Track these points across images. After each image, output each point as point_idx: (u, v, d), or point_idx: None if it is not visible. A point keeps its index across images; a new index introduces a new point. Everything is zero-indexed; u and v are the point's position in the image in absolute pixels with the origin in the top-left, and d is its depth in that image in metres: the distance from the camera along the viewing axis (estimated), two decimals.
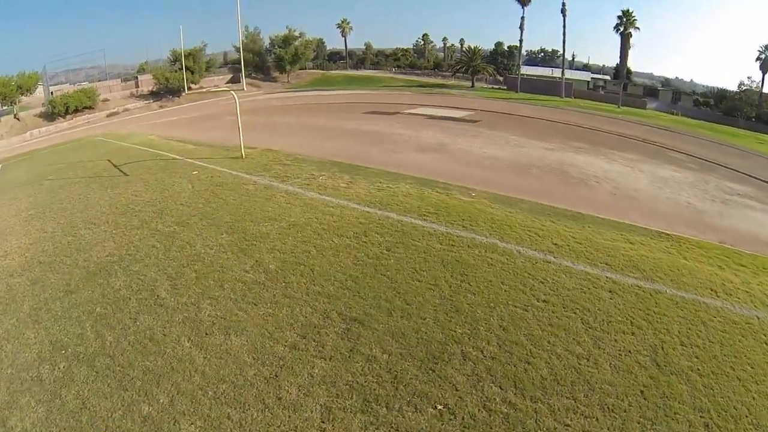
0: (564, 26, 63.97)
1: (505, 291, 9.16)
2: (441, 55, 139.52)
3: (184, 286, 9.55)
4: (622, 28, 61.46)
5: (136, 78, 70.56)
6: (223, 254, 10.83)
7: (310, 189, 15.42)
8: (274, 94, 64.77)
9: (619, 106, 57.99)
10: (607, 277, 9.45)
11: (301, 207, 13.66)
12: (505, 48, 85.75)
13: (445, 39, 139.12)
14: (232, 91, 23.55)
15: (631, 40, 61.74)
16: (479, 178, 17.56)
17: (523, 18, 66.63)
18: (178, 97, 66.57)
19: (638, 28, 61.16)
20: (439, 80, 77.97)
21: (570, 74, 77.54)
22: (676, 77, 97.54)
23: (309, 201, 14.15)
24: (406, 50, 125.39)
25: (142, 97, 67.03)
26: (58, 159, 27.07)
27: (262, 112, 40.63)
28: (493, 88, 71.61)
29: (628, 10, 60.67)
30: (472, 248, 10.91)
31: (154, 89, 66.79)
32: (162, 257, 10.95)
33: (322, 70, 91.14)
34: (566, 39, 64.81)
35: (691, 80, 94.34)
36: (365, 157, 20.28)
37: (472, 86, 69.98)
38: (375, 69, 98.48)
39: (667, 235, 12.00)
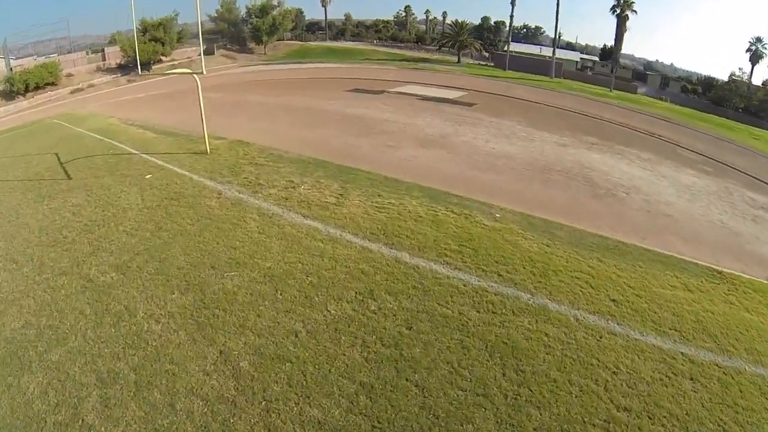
0: (558, 3, 60.38)
1: (575, 397, 6.45)
2: (423, 27, 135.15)
3: (119, 404, 6.25)
4: (618, 10, 58.03)
5: (103, 51, 65.37)
6: (174, 335, 7.48)
7: (290, 207, 12.14)
8: (249, 67, 60.35)
9: (611, 90, 55.71)
10: (683, 355, 7.53)
11: (280, 240, 10.40)
12: (492, 23, 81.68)
13: (427, 12, 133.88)
14: (194, 74, 19.56)
15: (628, 23, 58.44)
16: (498, 188, 14.57)
17: None
18: (148, 70, 61.87)
19: (635, 11, 57.91)
20: (423, 54, 73.98)
21: (558, 53, 74.34)
22: (657, 60, 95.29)
23: (290, 230, 10.86)
24: (387, 22, 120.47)
25: (109, 71, 62.07)
26: (4, 150, 23.19)
27: (235, 89, 36.78)
28: (479, 64, 68.00)
29: None
30: (518, 316, 7.92)
31: (123, 62, 61.73)
32: (91, 337, 7.58)
33: (301, 41, 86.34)
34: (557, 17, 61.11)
35: (672, 64, 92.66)
36: (355, 154, 17.09)
37: (458, 62, 66.26)
38: (355, 41, 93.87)
39: (719, 273, 10.35)
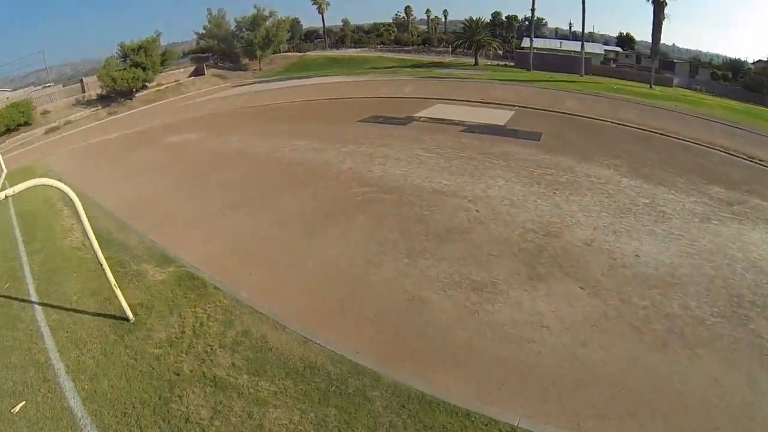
0: None
1: None
2: (423, 28, 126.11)
3: None
4: None
5: (82, 81, 57.15)
6: None
7: None
8: (242, 87, 51.72)
9: (651, 87, 47.35)
10: None
11: None
12: (503, 18, 72.53)
13: (428, 11, 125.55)
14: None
15: (666, 10, 48.86)
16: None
17: None
18: (131, 99, 53.80)
19: None
20: (433, 57, 65.20)
21: (573, 46, 65.44)
22: (673, 44, 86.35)
23: None
24: (389, 25, 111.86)
25: (89, 103, 53.77)
26: None
27: (220, 124, 28.52)
28: (498, 65, 59.16)
29: None
30: None
31: (103, 93, 53.38)
32: None
33: (299, 52, 77.71)
34: (575, 9, 51.99)
35: (693, 50, 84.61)
36: (427, 339, 8.20)
37: (476, 64, 57.48)
38: (357, 47, 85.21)
39: None
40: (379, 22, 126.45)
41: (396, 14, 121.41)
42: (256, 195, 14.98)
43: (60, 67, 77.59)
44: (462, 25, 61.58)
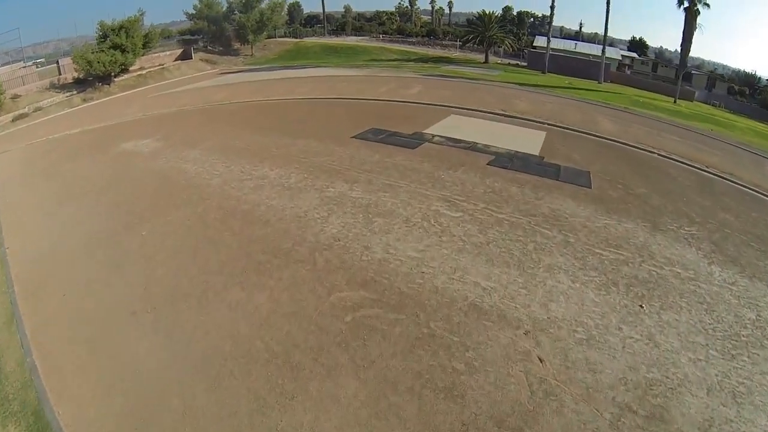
0: None
1: None
2: (427, 18, 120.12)
3: None
4: (687, 3, 43.03)
5: (57, 63, 51.26)
6: None
7: None
8: (228, 75, 46.08)
9: (675, 101, 42.95)
10: None
11: None
12: (514, 14, 66.78)
13: (433, 1, 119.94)
14: None
15: (699, 19, 43.30)
16: None
17: None
18: (109, 84, 48.09)
19: (708, 4, 42.77)
20: (439, 51, 59.57)
21: (587, 48, 60.05)
22: (676, 50, 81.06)
23: None
24: (392, 14, 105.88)
25: (65, 87, 47.94)
26: None
27: (184, 128, 23.12)
28: (510, 64, 53.80)
29: None
30: None
31: (80, 76, 47.54)
32: None
33: (295, 38, 71.74)
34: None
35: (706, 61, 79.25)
36: None
37: (486, 61, 52.05)
38: (358, 35, 79.30)
39: None
40: (381, 10, 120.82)
41: (399, 3, 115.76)
42: (178, 292, 9.58)
43: (37, 46, 70.91)
44: (473, 19, 55.86)
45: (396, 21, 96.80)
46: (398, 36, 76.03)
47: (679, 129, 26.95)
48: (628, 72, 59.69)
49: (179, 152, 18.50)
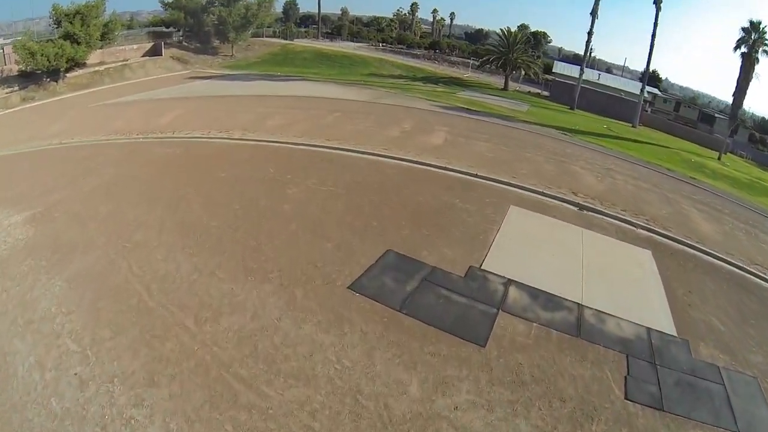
0: (656, 18, 36.85)
1: None
2: (426, 28, 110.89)
3: None
4: (745, 49, 34.30)
5: (2, 51, 40.88)
6: None
7: None
8: (192, 82, 36.23)
9: (719, 158, 34.89)
10: None
11: None
12: (529, 33, 57.92)
13: (435, 11, 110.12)
14: None
15: (757, 67, 34.50)
16: None
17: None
18: (57, 81, 38.08)
19: None
20: (447, 70, 50.34)
21: (613, 81, 51.38)
22: (666, 78, 72.88)
23: None
24: (391, 21, 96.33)
25: (7, 81, 37.71)
26: None
27: (62, 202, 13.59)
28: (530, 92, 44.85)
29: (758, 23, 33.80)
30: None
31: (26, 69, 37.31)
32: None
33: (285, 38, 61.84)
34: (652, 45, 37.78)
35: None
36: None
37: (505, 88, 42.96)
38: (355, 41, 69.73)
39: None
40: (379, 15, 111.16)
41: (398, 10, 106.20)
42: None
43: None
44: (496, 37, 46.64)
45: (395, 29, 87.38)
46: (399, 46, 66.64)
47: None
48: (648, 110, 50.90)
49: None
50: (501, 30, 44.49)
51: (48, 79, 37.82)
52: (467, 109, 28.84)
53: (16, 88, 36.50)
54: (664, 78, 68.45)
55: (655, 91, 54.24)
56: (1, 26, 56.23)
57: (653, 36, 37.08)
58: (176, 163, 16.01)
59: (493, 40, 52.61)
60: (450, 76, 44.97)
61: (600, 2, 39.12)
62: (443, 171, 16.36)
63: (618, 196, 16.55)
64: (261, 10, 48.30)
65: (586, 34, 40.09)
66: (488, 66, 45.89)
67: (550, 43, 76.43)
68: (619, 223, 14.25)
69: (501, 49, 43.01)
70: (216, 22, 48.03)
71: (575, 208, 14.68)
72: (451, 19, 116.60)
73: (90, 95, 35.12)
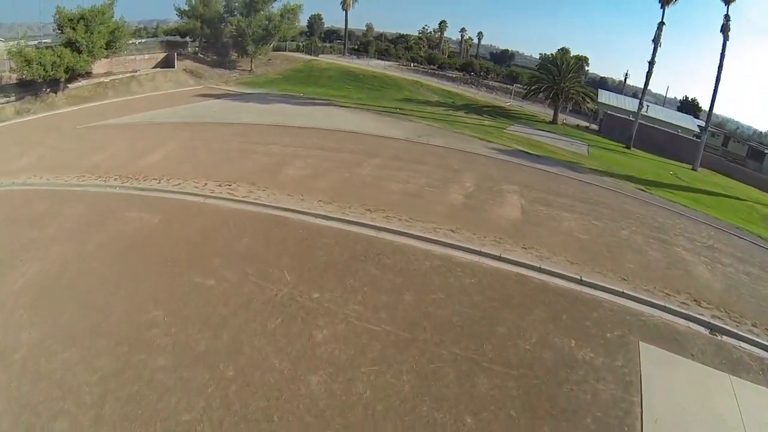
0: (723, 52, 30.74)
1: None
2: (453, 48, 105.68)
3: None
4: None
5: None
6: None
7: None
8: (202, 101, 30.89)
9: None
10: None
11: None
12: (569, 59, 51.82)
13: (463, 30, 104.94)
14: None
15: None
16: None
17: (661, 25, 33.05)
18: (56, 92, 33.20)
19: None
20: (487, 96, 44.66)
21: (663, 114, 45.43)
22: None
23: None
24: (420, 39, 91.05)
25: (4, 89, 33.01)
26: None
27: None
28: (578, 126, 39.03)
29: None
30: None
31: (25, 77, 32.22)
32: None
33: (309, 54, 56.50)
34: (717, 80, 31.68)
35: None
36: None
37: (554, 121, 37.12)
38: (382, 58, 64.36)
39: None
40: (405, 33, 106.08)
41: (424, 27, 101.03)
42: None
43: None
44: (543, 62, 40.80)
45: (423, 47, 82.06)
46: (430, 67, 61.12)
47: None
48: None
49: None
50: (549, 55, 38.83)
51: (48, 90, 33.00)
52: (527, 153, 23.01)
53: (13, 98, 31.70)
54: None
55: (700, 123, 48.15)
56: (9, 27, 51.36)
57: (720, 68, 31.06)
58: (147, 248, 10.48)
59: (520, 60, 46.57)
60: (492, 105, 39.23)
61: (663, 29, 33.23)
62: (538, 276, 10.58)
63: (739, 298, 11.02)
64: (284, 21, 42.96)
65: (647, 63, 34.19)
66: (537, 95, 39.91)
67: (589, 68, 70.20)
68: (760, 352, 8.85)
69: (549, 76, 37.07)
70: (234, 33, 42.79)
71: (706, 332, 9.36)
72: (479, 39, 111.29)
73: (87, 111, 30.16)
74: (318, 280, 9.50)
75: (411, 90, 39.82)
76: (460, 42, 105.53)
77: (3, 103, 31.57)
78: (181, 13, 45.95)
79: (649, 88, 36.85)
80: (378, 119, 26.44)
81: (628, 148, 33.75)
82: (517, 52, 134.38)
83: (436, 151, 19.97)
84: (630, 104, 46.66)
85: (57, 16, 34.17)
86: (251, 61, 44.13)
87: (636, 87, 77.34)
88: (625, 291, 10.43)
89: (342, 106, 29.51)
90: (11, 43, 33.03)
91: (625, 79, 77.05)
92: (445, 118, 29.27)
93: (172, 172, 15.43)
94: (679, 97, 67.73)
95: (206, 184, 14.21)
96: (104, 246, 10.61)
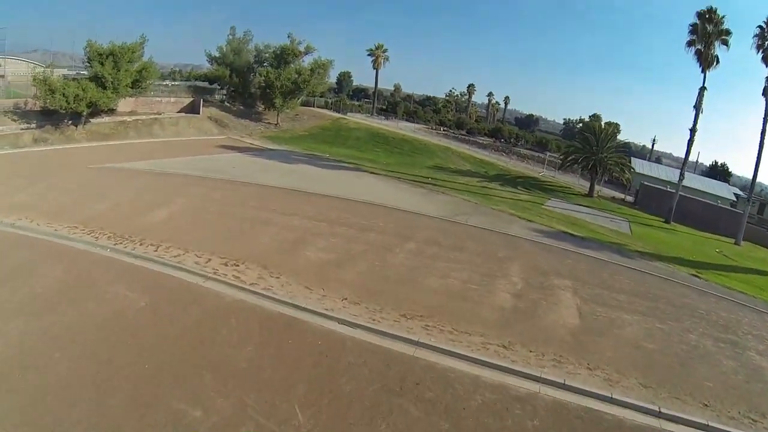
0: (767, 112, 28.88)
1: None
2: (480, 112, 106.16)
3: None
4: None
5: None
6: None
7: None
8: (222, 154, 29.48)
9: None
10: None
11: None
12: (601, 126, 50.34)
13: (490, 94, 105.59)
14: None
15: None
16: None
17: (702, 90, 31.46)
18: (77, 126, 32.45)
19: None
20: (519, 165, 42.97)
21: (698, 182, 43.33)
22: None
23: None
24: (447, 102, 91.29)
25: (27, 115, 32.00)
26: None
27: None
28: (613, 198, 37.15)
29: None
30: None
31: (49, 106, 31.06)
32: None
33: (337, 111, 55.77)
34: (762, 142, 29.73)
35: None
36: None
37: (590, 193, 35.13)
38: (410, 120, 63.60)
39: None
40: (431, 95, 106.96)
41: (451, 90, 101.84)
42: None
43: (48, 53, 53.96)
44: (581, 128, 39.24)
45: (451, 110, 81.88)
46: (460, 132, 60.17)
47: None
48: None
49: None
50: (577, 121, 37.37)
51: (69, 122, 32.15)
52: (571, 234, 20.78)
53: (34, 125, 31.15)
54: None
55: (738, 191, 45.69)
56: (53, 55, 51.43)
57: (763, 134, 29.04)
58: (123, 345, 8.24)
59: (544, 125, 45.20)
60: (525, 175, 37.51)
61: (705, 95, 31.64)
62: (610, 410, 8.33)
63: None
64: (314, 76, 42.19)
65: (688, 131, 32.35)
66: (574, 167, 38.17)
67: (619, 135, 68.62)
68: None
69: (586, 146, 35.33)
70: (263, 85, 41.96)
71: None
72: (506, 104, 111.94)
73: (104, 150, 29.10)
74: (339, 425, 6.99)
75: (442, 157, 38.19)
76: (487, 106, 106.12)
77: (23, 129, 30.69)
78: (212, 59, 45.67)
79: (671, 152, 35.18)
80: (410, 191, 24.40)
81: (667, 222, 31.65)
82: (541, 117, 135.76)
83: (475, 234, 17.70)
84: (663, 173, 45.34)
85: (88, 49, 33.61)
86: (278, 114, 43.16)
87: (660, 152, 75.73)
88: (709, 423, 8.32)
89: (371, 173, 27.64)
90: (38, 70, 32.38)
91: (653, 146, 75.81)
92: (480, 191, 27.29)
93: (174, 237, 13.29)
94: (706, 161, 66.09)
95: (210, 260, 11.98)
96: (71, 331, 8.43)
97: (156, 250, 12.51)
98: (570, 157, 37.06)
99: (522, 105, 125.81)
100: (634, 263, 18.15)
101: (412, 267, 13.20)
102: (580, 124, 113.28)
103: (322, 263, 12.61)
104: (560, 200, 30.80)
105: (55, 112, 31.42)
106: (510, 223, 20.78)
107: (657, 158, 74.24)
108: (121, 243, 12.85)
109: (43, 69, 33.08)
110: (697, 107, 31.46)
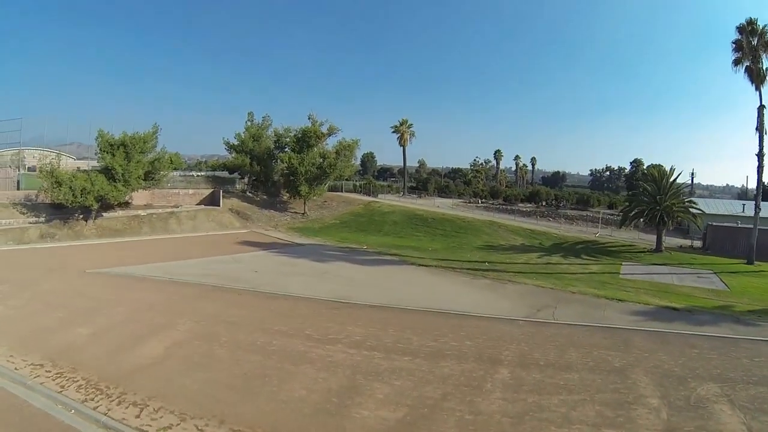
0: None
1: None
2: (510, 177, 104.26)
3: None
4: None
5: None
6: None
7: None
8: (244, 252, 26.05)
9: None
10: None
11: None
12: (644, 170, 47.02)
13: (518, 158, 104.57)
14: None
15: None
16: None
17: (762, 109, 28.10)
18: (87, 220, 30.84)
19: None
20: (571, 228, 38.77)
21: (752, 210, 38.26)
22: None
23: None
24: (478, 172, 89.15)
25: (37, 208, 31.05)
26: None
27: None
28: (681, 247, 33.46)
29: None
30: None
31: (57, 200, 29.87)
32: None
33: (367, 194, 52.71)
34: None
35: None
36: None
37: (658, 248, 31.21)
38: (443, 195, 60.48)
39: None
40: (456, 166, 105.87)
41: (475, 159, 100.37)
42: None
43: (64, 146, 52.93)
44: (645, 180, 35.23)
45: (482, 180, 79.41)
46: (498, 202, 56.73)
47: None
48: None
49: None
50: (642, 171, 33.29)
51: (80, 216, 29.95)
52: (671, 308, 16.30)
53: (42, 219, 30.08)
54: None
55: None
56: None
57: None
58: None
59: (570, 180, 41.46)
60: (582, 240, 33.71)
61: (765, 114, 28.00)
62: None
63: None
64: (340, 159, 39.23)
65: (755, 157, 28.54)
66: (636, 221, 34.14)
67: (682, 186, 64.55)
68: None
69: (647, 196, 31.89)
70: (286, 171, 39.08)
71: None
72: (533, 165, 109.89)
73: (111, 248, 26.56)
74: None
75: (489, 233, 34.28)
76: (515, 170, 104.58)
77: (31, 223, 29.05)
78: (230, 147, 43.57)
79: (697, 181, 30.98)
80: (471, 284, 20.05)
81: (749, 263, 27.40)
82: (567, 172, 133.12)
83: (573, 337, 13.12)
84: (723, 208, 41.34)
85: (99, 139, 31.64)
86: (304, 202, 40.07)
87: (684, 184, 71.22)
88: None
89: (419, 265, 23.49)
90: (45, 161, 30.48)
91: (692, 178, 71.09)
92: (546, 270, 23.17)
93: (167, 390, 9.19)
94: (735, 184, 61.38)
95: None
96: None
97: (138, 415, 8.43)
98: (633, 212, 33.11)
99: (543, 164, 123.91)
100: (762, 332, 13.59)
101: (517, 415, 8.58)
102: (608, 173, 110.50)
103: (389, 429, 8.09)
104: (633, 264, 26.91)
105: (64, 205, 29.05)
106: (601, 308, 16.32)
107: (690, 191, 70.69)
108: (92, 398, 8.97)
109: (50, 160, 31.11)
110: (760, 129, 28.34)
